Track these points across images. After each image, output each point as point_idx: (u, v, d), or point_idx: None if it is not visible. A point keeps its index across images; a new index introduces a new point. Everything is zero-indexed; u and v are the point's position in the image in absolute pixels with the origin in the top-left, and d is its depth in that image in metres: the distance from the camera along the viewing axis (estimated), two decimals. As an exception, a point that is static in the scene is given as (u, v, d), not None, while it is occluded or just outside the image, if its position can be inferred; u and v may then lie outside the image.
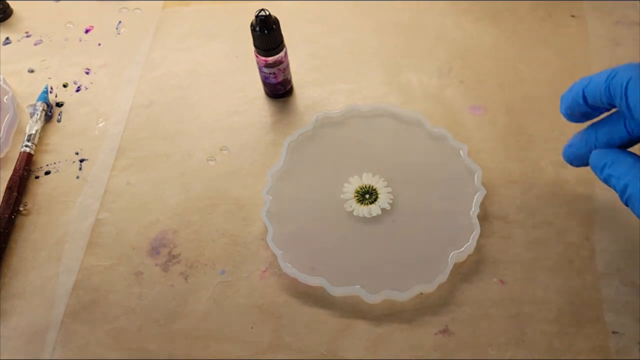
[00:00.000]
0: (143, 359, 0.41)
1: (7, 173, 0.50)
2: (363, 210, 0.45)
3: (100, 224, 0.47)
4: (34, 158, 0.51)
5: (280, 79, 0.51)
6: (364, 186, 0.46)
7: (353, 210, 0.45)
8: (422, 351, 0.40)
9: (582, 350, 0.39)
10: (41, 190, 0.50)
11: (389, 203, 0.45)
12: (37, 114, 0.53)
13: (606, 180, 0.38)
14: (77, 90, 0.56)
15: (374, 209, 0.45)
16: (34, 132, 0.52)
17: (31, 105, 0.53)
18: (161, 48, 0.58)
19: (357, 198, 0.46)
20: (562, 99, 0.40)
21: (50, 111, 0.54)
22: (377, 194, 0.46)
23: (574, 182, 0.46)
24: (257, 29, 0.47)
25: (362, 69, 0.55)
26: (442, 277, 0.41)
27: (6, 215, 0.47)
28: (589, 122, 0.40)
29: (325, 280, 0.42)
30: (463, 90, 0.52)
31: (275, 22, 0.47)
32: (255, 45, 0.48)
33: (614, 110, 0.38)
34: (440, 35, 0.56)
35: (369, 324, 0.41)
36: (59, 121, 0.54)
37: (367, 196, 0.45)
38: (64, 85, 0.56)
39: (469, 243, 0.42)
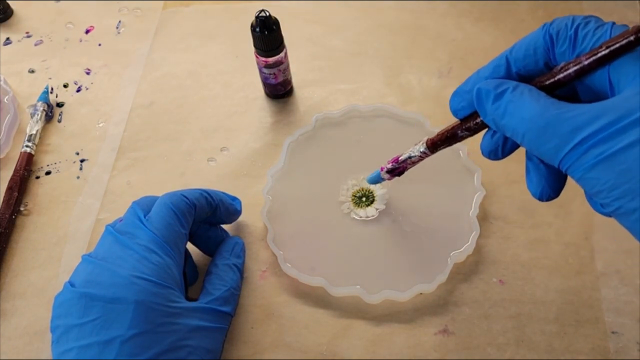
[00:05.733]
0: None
1: (8, 173, 0.50)
2: (360, 212, 0.45)
3: (100, 224, 0.47)
4: (34, 158, 0.51)
5: (280, 79, 0.51)
6: (360, 189, 0.46)
7: (350, 213, 0.45)
8: (421, 351, 0.40)
9: (581, 350, 0.39)
10: (42, 190, 0.50)
11: (384, 204, 0.45)
12: (38, 114, 0.53)
13: (497, 117, 0.28)
14: (78, 91, 0.56)
15: (370, 211, 0.45)
16: (34, 132, 0.52)
17: (32, 106, 0.53)
18: (161, 48, 0.58)
19: (354, 202, 0.46)
20: (460, 92, 0.32)
21: (51, 111, 0.54)
22: (373, 196, 0.46)
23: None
24: (257, 29, 0.47)
25: (362, 69, 0.55)
26: (442, 277, 0.41)
27: (7, 215, 0.47)
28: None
29: (325, 280, 0.42)
30: (463, 90, 0.52)
31: (275, 22, 0.47)
32: (255, 46, 0.48)
33: None
34: (440, 36, 0.56)
35: (368, 324, 0.41)
36: (59, 121, 0.54)
37: (364, 199, 0.46)
38: (65, 86, 0.57)
39: (468, 243, 0.42)
